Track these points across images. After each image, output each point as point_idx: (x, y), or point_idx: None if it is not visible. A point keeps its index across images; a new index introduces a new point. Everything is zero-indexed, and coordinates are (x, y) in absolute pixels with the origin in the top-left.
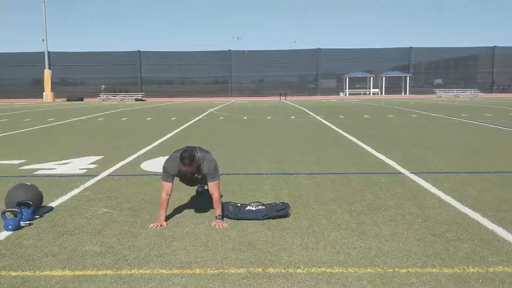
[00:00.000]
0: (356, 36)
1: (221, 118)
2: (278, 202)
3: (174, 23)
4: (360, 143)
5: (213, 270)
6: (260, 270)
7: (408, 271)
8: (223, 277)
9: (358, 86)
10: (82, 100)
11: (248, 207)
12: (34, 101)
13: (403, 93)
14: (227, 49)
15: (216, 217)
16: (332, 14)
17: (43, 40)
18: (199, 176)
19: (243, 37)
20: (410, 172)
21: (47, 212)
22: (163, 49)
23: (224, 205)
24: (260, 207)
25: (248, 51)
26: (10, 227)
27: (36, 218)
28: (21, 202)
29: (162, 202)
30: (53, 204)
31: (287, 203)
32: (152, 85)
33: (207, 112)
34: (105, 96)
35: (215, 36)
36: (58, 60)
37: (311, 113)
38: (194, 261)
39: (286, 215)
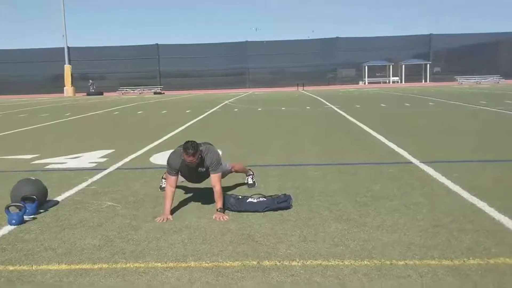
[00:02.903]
0: (375, 24)
1: (236, 110)
2: (280, 194)
3: (191, 15)
4: (373, 133)
5: (208, 263)
6: (255, 263)
7: (406, 263)
8: (217, 270)
9: (379, 75)
10: (102, 94)
11: (250, 199)
12: (55, 96)
13: (423, 81)
14: (244, 40)
15: (217, 210)
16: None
17: (63, 35)
18: (203, 170)
19: (260, 28)
20: (421, 162)
21: (52, 206)
22: (181, 42)
23: (225, 198)
24: (261, 199)
25: (266, 41)
26: (14, 221)
27: (41, 212)
28: (25, 197)
29: (167, 195)
30: (59, 198)
31: (289, 195)
32: (171, 78)
33: (222, 104)
34: (124, 90)
35: (233, 27)
36: (78, 55)
37: (327, 103)
38: (190, 254)
39: (288, 207)
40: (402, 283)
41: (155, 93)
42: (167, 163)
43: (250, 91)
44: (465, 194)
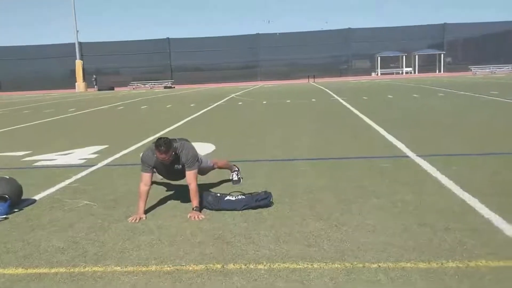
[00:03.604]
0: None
1: (240, 103)
2: (260, 192)
3: (202, 8)
4: (374, 125)
5: (170, 267)
6: (219, 266)
7: (379, 266)
8: (177, 275)
9: (393, 65)
10: (113, 89)
11: (228, 197)
12: (67, 92)
13: (437, 71)
14: (255, 33)
15: (192, 209)
16: None
17: (78, 31)
18: (179, 167)
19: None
20: (417, 156)
21: (28, 205)
22: (192, 35)
23: (203, 196)
24: (240, 197)
25: (278, 33)
26: None
27: (14, 212)
28: None
29: (141, 194)
30: (38, 196)
31: (269, 193)
32: (182, 72)
33: (229, 97)
34: (135, 84)
35: (245, 20)
36: (90, 50)
37: (334, 95)
38: (153, 257)
39: (267, 205)
40: None
41: (165, 87)
42: (141, 160)
43: (261, 84)
44: (457, 190)
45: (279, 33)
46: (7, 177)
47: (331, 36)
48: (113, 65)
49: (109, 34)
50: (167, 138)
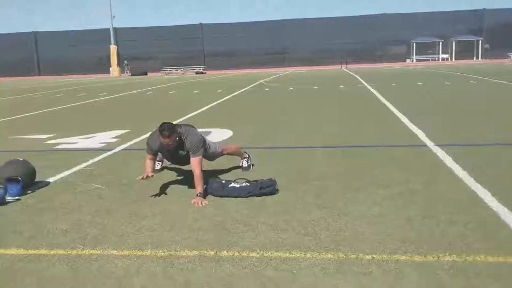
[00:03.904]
0: None
1: (267, 89)
2: (264, 179)
3: None
4: (397, 113)
5: (164, 252)
6: (212, 253)
7: (373, 258)
8: (169, 260)
9: (430, 52)
10: (146, 74)
11: (232, 184)
12: (101, 76)
13: (474, 57)
14: (288, 18)
15: (197, 195)
16: None
17: (114, 16)
18: (184, 153)
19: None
20: (435, 145)
21: (42, 187)
22: (224, 21)
23: (208, 182)
24: (245, 184)
25: (311, 19)
26: None
27: (27, 193)
28: (10, 178)
29: (147, 162)
30: (53, 178)
31: (274, 180)
32: (214, 58)
33: (257, 83)
34: (168, 70)
35: (278, 5)
36: (124, 36)
37: (363, 81)
38: (150, 242)
39: (272, 193)
40: (359, 280)
41: (196, 73)
42: (147, 143)
43: (292, 70)
44: (470, 182)
45: (310, 18)
46: (21, 159)
47: (365, 21)
48: (146, 50)
49: (144, 20)
50: (170, 123)
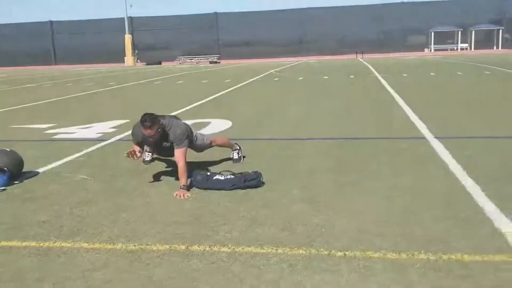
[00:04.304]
0: None
1: (276, 79)
2: (250, 172)
3: None
4: (402, 104)
5: (135, 246)
6: (183, 247)
7: (344, 255)
8: (138, 255)
9: (449, 41)
10: (160, 63)
11: (217, 177)
12: (116, 66)
13: (494, 47)
14: (304, 7)
15: (180, 187)
16: None
17: (131, 5)
18: (168, 144)
19: None
20: (435, 137)
21: (30, 177)
22: (239, 9)
23: (193, 174)
24: (229, 176)
25: (327, 7)
26: None
27: (14, 184)
28: None
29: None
30: (43, 169)
31: (259, 173)
32: (229, 47)
33: (267, 73)
34: (182, 59)
35: None
36: (139, 25)
37: (375, 71)
38: (124, 235)
39: (257, 186)
40: (324, 278)
41: (210, 62)
42: (131, 133)
43: (306, 59)
44: (462, 176)
45: (327, 7)
46: (8, 149)
47: (384, 10)
48: (161, 39)
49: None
50: (152, 114)
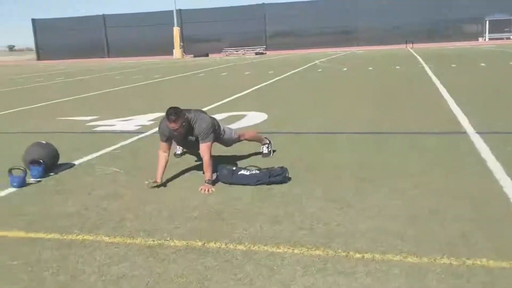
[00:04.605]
0: None
1: (319, 70)
2: (275, 167)
3: None
4: (446, 96)
5: (154, 241)
6: (200, 244)
7: (363, 257)
8: (155, 249)
9: (506, 30)
10: (207, 55)
11: (242, 172)
12: (164, 58)
13: None
14: None
15: (205, 182)
16: None
17: None
18: (193, 138)
19: None
20: (476, 132)
21: (65, 169)
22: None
23: (219, 169)
24: (255, 171)
25: None
26: (15, 184)
27: (50, 175)
28: (33, 160)
29: (159, 160)
30: (79, 161)
31: (285, 168)
32: (276, 38)
33: (311, 64)
34: (228, 51)
35: None
36: (188, 17)
37: (422, 62)
38: (144, 229)
39: (282, 181)
40: (336, 281)
41: (256, 53)
42: (158, 129)
43: (354, 49)
44: (500, 174)
45: None
46: (44, 142)
47: None
48: (209, 31)
49: (207, 1)
50: (177, 107)
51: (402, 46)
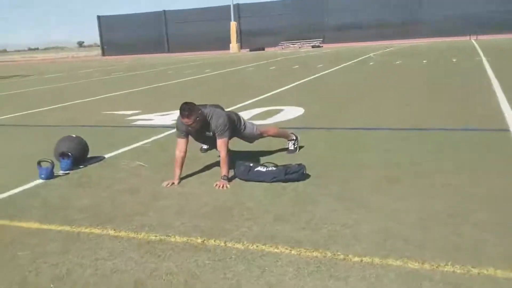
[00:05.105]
0: None
1: (371, 63)
2: (293, 164)
3: None
4: (498, 92)
5: (156, 236)
6: (200, 241)
7: (361, 261)
8: (155, 245)
9: None
10: (263, 49)
11: (258, 168)
12: (221, 53)
13: None
14: None
15: (221, 177)
16: None
17: None
18: (210, 134)
19: None
20: None
21: (95, 162)
22: None
23: (236, 165)
24: (271, 168)
25: None
26: (42, 175)
27: (79, 168)
28: (63, 153)
29: (176, 160)
30: (110, 154)
31: (303, 166)
32: (335, 31)
33: (365, 57)
34: (284, 44)
35: None
36: (245, 11)
37: (482, 55)
38: (149, 224)
39: (298, 179)
40: (326, 285)
41: (313, 46)
42: (175, 125)
43: (414, 42)
44: None
45: None
46: (74, 135)
47: None
48: (266, 25)
49: None
50: (191, 102)
51: (466, 38)
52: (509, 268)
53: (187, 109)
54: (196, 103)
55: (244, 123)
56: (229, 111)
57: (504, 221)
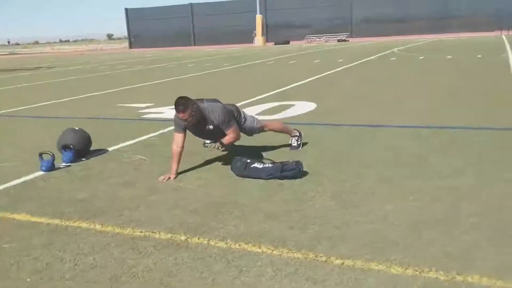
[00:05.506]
0: None
1: (393, 58)
2: (290, 161)
3: None
4: None
5: (141, 232)
6: (183, 238)
7: (342, 264)
8: (138, 241)
9: None
10: (288, 43)
11: (255, 165)
12: (246, 46)
13: None
14: None
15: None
16: None
17: None
18: (211, 127)
19: None
20: None
21: (98, 155)
22: None
23: (233, 161)
24: (267, 165)
25: None
26: (43, 168)
27: (82, 161)
28: (65, 145)
29: (173, 155)
30: (113, 147)
31: (300, 163)
32: (362, 24)
33: (387, 52)
34: (310, 38)
35: None
36: (271, 4)
37: (509, 51)
38: (137, 220)
39: (294, 177)
40: (292, 286)
41: (338, 40)
42: (173, 121)
43: (442, 36)
44: None
45: None
46: (76, 128)
47: None
48: (292, 18)
49: None
50: (186, 97)
51: (497, 33)
52: (496, 276)
53: (181, 103)
54: (192, 98)
55: (244, 116)
56: (227, 104)
57: (499, 226)
